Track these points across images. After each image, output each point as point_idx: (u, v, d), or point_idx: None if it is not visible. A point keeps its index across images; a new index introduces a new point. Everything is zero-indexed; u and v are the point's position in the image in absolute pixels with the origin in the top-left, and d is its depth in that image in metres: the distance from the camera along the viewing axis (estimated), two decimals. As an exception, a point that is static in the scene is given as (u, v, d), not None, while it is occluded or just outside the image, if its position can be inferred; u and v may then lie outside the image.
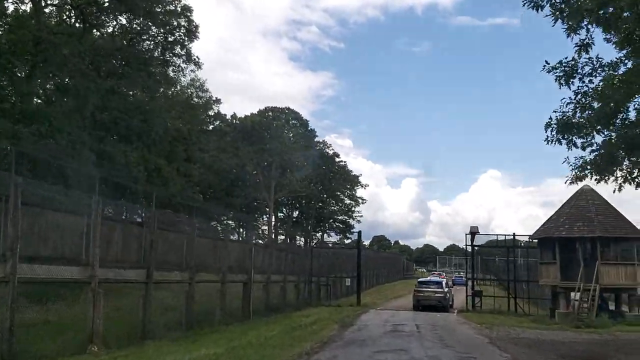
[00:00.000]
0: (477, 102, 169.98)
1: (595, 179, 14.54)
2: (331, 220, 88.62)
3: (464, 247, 32.51)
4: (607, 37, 13.74)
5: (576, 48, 12.41)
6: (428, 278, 42.73)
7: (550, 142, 13.85)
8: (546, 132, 13.80)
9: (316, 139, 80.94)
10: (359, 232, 36.68)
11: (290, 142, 69.79)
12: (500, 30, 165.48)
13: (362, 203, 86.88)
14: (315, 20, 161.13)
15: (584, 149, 14.14)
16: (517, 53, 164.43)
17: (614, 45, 13.60)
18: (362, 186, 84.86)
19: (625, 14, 12.68)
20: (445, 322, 25.91)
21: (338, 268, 41.06)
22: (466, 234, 32.31)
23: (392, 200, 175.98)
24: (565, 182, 14.87)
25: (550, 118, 13.68)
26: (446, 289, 33.28)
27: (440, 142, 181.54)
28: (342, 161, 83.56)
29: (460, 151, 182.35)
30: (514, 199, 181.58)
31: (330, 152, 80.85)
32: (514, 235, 31.49)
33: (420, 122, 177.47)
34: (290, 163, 68.95)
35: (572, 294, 25.64)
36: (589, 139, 13.92)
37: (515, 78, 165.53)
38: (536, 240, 28.65)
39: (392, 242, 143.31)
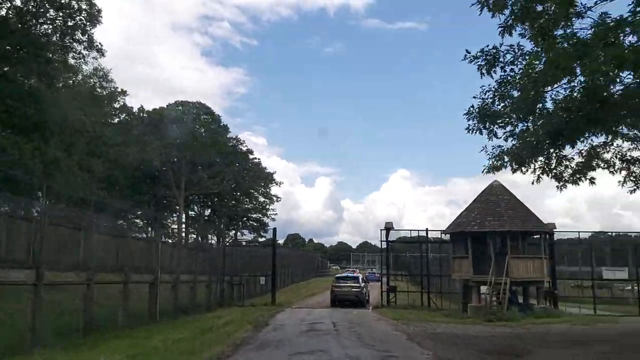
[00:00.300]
0: (389, 103, 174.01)
1: (513, 169, 14.40)
2: (245, 218, 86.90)
3: (379, 242, 32.39)
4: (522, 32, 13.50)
5: (500, 29, 12.07)
6: (345, 274, 43.32)
7: (471, 131, 13.52)
8: (468, 120, 13.47)
9: (229, 135, 78.97)
10: (274, 230, 35.71)
11: (201, 137, 67.49)
12: (408, 33, 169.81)
13: (277, 201, 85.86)
14: (227, 16, 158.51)
15: (506, 139, 13.98)
16: (425, 57, 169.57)
17: (529, 40, 13.40)
18: (277, 184, 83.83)
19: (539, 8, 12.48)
20: (362, 318, 25.46)
21: (252, 267, 39.84)
22: (381, 230, 32.20)
23: (306, 199, 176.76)
24: (482, 172, 14.68)
25: (472, 106, 13.35)
26: (362, 284, 33.65)
27: (353, 142, 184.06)
28: (256, 158, 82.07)
29: (372, 151, 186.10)
30: (423, 198, 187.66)
31: (244, 149, 79.06)
32: (426, 230, 31.66)
33: (334, 121, 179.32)
34: (202, 159, 66.64)
35: (483, 287, 26.01)
36: (509, 129, 13.77)
37: (424, 81, 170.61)
38: (449, 235, 28.89)
39: (307, 240, 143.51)
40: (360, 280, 34.94)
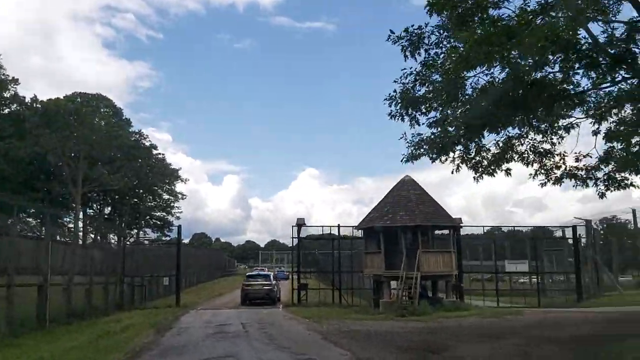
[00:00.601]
0: (298, 102, 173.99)
1: (432, 158, 13.95)
2: (148, 217, 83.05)
3: (290, 239, 31.45)
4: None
5: (427, 8, 11.49)
6: (256, 272, 42.68)
7: (394, 117, 12.88)
8: (390, 106, 12.80)
9: (132, 130, 75.12)
10: (179, 227, 33.76)
11: (101, 131, 63.52)
12: (318, 32, 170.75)
13: (182, 199, 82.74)
14: (132, 7, 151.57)
15: (429, 126, 13.45)
16: (334, 57, 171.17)
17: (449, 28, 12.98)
18: (182, 180, 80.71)
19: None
20: (273, 318, 24.43)
21: (155, 267, 37.63)
22: (292, 226, 31.31)
23: (213, 197, 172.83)
24: (401, 160, 14.13)
25: (395, 91, 12.71)
26: (274, 282, 33.72)
27: (262, 140, 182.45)
28: (160, 154, 78.53)
29: (281, 149, 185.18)
30: (331, 196, 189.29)
31: (147, 144, 75.42)
32: (338, 226, 31.18)
33: (242, 119, 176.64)
34: (101, 154, 62.71)
35: (394, 282, 25.81)
36: (432, 116, 13.30)
37: (333, 82, 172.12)
38: (361, 231, 28.48)
39: (213, 240, 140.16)
40: (272, 277, 34.81)
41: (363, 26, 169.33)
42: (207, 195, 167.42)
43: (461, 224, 27.18)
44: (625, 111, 15.27)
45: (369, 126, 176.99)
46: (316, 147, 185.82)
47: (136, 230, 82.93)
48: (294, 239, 31.36)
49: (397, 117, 12.78)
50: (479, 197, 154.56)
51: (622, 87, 13.29)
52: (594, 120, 15.20)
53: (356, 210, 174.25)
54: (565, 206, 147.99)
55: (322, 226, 30.78)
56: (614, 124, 15.32)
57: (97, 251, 30.00)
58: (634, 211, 32.50)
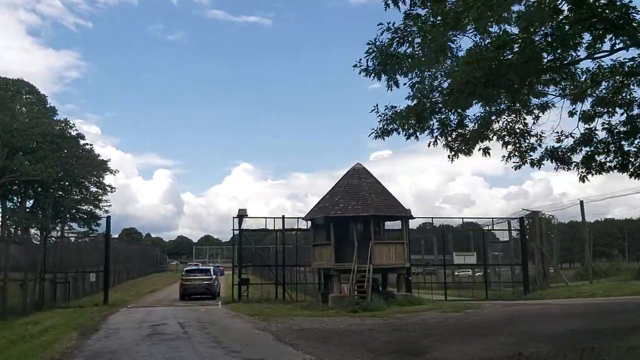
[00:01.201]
0: (232, 96, 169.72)
1: (407, 132, 12.20)
2: (74, 210, 77.74)
3: (232, 231, 29.03)
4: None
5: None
6: (195, 267, 42.33)
7: (369, 75, 10.97)
8: (367, 62, 10.86)
9: (57, 118, 69.98)
10: (108, 219, 30.60)
11: (22, 117, 58.52)
12: (254, 27, 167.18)
13: (111, 191, 77.95)
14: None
15: (411, 87, 11.59)
16: (269, 53, 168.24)
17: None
18: (111, 172, 75.96)
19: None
20: (213, 316, 22.16)
21: (81, 262, 34.24)
22: (233, 218, 28.98)
23: (144, 192, 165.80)
24: (370, 135, 12.31)
25: (374, 43, 10.72)
26: (214, 276, 32.93)
27: (195, 134, 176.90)
28: (87, 144, 73.51)
29: (214, 143, 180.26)
30: (265, 191, 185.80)
31: (74, 133, 70.37)
32: (283, 217, 29.12)
33: (175, 112, 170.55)
34: (22, 142, 57.70)
35: (343, 276, 24.14)
36: (413, 77, 11.50)
37: (267, 77, 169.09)
38: (309, 223, 26.57)
39: (144, 235, 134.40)
40: (212, 272, 34.00)
41: (298, 21, 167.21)
42: (137, 190, 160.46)
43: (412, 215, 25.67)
44: (602, 91, 14.10)
45: (305, 122, 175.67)
46: (251, 142, 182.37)
47: (61, 225, 77.52)
48: (234, 231, 29.06)
49: (372, 75, 10.89)
50: (409, 194, 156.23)
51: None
52: (571, 99, 13.95)
53: (290, 205, 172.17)
54: (490, 202, 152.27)
55: (266, 217, 28.66)
56: (592, 103, 14.13)
57: (13, 245, 26.59)
58: (581, 202, 32.19)
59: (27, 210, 74.25)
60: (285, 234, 29.04)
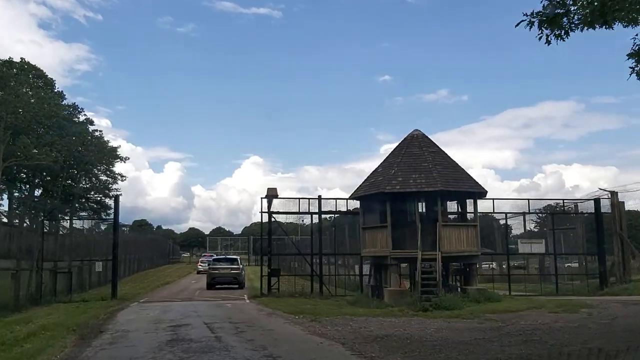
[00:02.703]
0: (242, 89, 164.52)
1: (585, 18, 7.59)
2: (83, 199, 73.41)
3: (260, 213, 24.50)
4: None
5: None
6: (223, 256, 41.87)
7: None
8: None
9: (65, 102, 65.53)
10: (116, 198, 26.07)
11: (27, 97, 54.06)
12: (264, 19, 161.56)
13: (122, 180, 73.54)
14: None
15: None
16: (279, 45, 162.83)
17: None
18: (122, 160, 71.51)
19: None
20: (245, 315, 17.67)
21: (87, 250, 29.89)
22: (262, 198, 24.53)
23: (155, 185, 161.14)
24: (517, 26, 7.73)
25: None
26: (241, 266, 32.07)
27: (205, 127, 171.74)
28: (97, 130, 69.13)
29: (224, 136, 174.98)
30: (275, 184, 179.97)
31: (82, 118, 65.99)
32: (319, 198, 24.51)
33: (185, 105, 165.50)
34: (26, 124, 53.27)
35: (402, 266, 19.57)
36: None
37: (278, 70, 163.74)
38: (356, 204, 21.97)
39: (155, 227, 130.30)
40: (239, 261, 33.08)
41: (308, 12, 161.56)
42: (148, 183, 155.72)
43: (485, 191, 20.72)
44: None
45: (314, 115, 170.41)
46: (261, 135, 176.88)
47: (70, 214, 73.11)
48: (262, 214, 24.52)
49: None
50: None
51: None
52: None
53: (301, 197, 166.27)
54: (502, 195, 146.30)
55: (299, 198, 23.91)
56: None
57: (1, 227, 22.17)
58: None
59: (36, 199, 70.07)
60: (322, 218, 24.40)
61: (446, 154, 20.83)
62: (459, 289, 19.64)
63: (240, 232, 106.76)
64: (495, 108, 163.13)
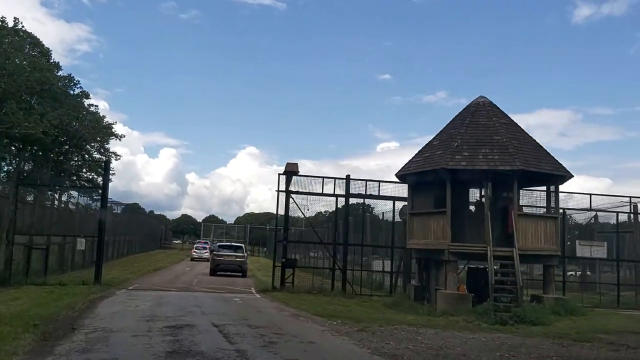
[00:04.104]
0: (242, 79, 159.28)
1: None
2: (75, 177, 68.64)
3: (276, 192, 20.27)
4: None
5: None
6: (227, 242, 40.12)
7: None
8: None
9: (59, 73, 60.79)
10: (106, 162, 21.61)
11: (21, 63, 49.43)
12: (267, 10, 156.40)
13: (117, 159, 68.82)
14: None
15: None
16: (283, 36, 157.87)
17: None
18: (117, 137, 66.75)
19: None
20: (262, 313, 13.62)
21: (70, 226, 25.67)
22: (280, 174, 20.32)
23: (149, 170, 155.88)
24: None
25: None
26: (245, 254, 31.02)
27: (203, 115, 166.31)
28: (93, 105, 64.35)
29: (221, 125, 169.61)
30: (270, 177, 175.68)
31: (77, 91, 61.27)
32: (348, 178, 20.35)
33: (183, 91, 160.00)
34: (15, 88, 48.63)
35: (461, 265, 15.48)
36: None
37: (279, 62, 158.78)
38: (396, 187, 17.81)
39: (147, 212, 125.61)
40: (244, 249, 32.32)
41: (311, 4, 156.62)
42: (142, 168, 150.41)
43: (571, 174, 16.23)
44: None
45: (314, 109, 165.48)
46: (259, 126, 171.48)
47: (59, 193, 68.44)
48: (279, 193, 20.33)
49: None
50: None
51: None
52: None
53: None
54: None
55: (323, 177, 19.72)
56: None
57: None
58: None
59: (25, 175, 65.35)
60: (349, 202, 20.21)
61: (520, 127, 16.65)
62: (540, 298, 15.38)
63: (233, 222, 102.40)
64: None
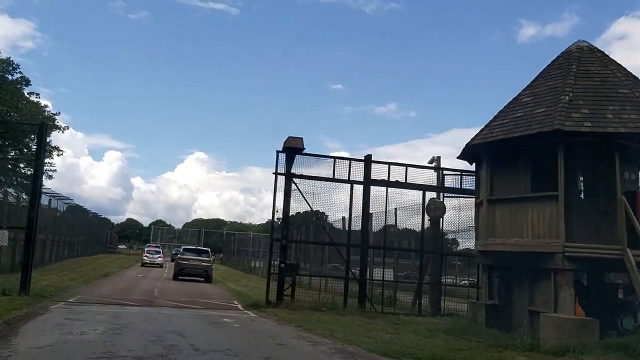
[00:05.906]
0: (191, 83, 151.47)
1: None
2: (11, 172, 60.47)
3: (273, 174, 14.96)
4: None
5: None
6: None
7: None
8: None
9: (-2, 58, 53.10)
10: (42, 125, 15.08)
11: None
12: (219, 14, 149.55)
13: (59, 155, 61.09)
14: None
15: None
16: (234, 42, 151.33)
17: None
18: (60, 129, 59.15)
19: None
20: (282, 345, 8.56)
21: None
22: (278, 152, 14.95)
23: (93, 173, 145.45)
24: None
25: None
26: (211, 258, 29.35)
27: (150, 118, 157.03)
28: (33, 93, 56.73)
29: (168, 129, 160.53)
30: (218, 183, 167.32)
31: (17, 76, 53.66)
32: (367, 159, 15.41)
33: (130, 94, 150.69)
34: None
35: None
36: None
37: (230, 69, 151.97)
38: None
39: (90, 215, 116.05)
40: (210, 253, 29.75)
41: (264, 13, 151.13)
42: (86, 171, 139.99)
43: None
44: None
45: (265, 115, 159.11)
46: (207, 131, 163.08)
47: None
48: (277, 175, 15.08)
49: None
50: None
51: None
52: None
53: (243, 198, 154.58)
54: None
55: (335, 157, 14.61)
56: None
57: None
58: None
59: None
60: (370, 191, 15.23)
61: (640, 79, 12.01)
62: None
63: (180, 228, 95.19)
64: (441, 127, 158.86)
